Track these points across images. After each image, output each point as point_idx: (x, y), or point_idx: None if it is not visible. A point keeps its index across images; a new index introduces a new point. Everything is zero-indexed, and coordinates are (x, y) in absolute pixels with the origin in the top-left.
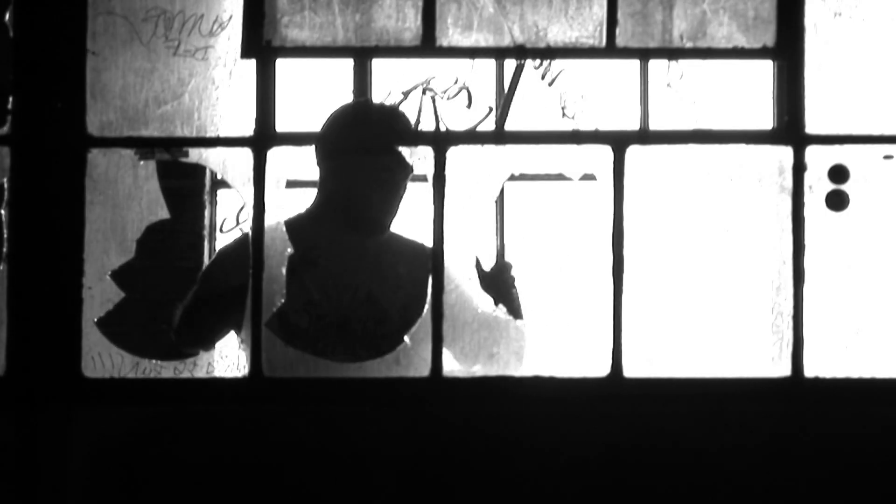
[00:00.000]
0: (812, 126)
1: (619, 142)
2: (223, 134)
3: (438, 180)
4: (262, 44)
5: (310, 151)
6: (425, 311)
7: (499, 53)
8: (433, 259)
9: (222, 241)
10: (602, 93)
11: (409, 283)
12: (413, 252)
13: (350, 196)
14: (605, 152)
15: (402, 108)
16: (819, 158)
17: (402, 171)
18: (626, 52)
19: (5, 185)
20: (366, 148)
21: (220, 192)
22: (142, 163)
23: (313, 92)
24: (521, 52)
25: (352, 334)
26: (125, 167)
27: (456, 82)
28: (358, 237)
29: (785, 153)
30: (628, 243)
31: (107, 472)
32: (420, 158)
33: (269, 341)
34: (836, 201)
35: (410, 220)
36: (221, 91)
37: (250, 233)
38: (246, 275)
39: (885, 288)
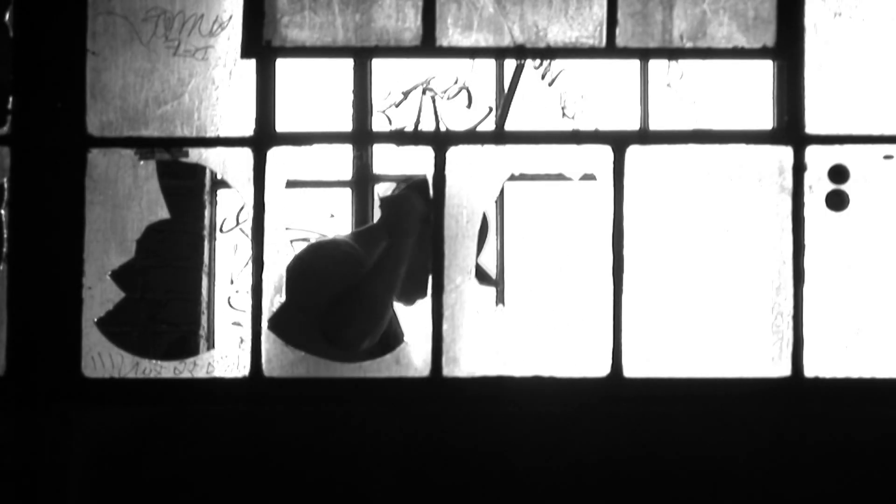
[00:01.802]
0: (812, 126)
1: (619, 142)
2: (223, 134)
3: (438, 180)
4: (262, 44)
5: (312, 151)
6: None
7: (499, 53)
8: (433, 259)
9: (222, 241)
10: (602, 93)
11: None
12: None
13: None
14: (605, 152)
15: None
16: (819, 158)
17: None
18: (626, 52)
19: (5, 185)
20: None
21: (220, 192)
22: (142, 163)
23: (313, 92)
24: (521, 52)
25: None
26: (125, 167)
27: (456, 82)
28: None
29: (785, 153)
30: (628, 243)
31: (107, 471)
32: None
33: (269, 341)
34: (836, 201)
35: None
36: (221, 91)
37: (251, 233)
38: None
39: (885, 288)
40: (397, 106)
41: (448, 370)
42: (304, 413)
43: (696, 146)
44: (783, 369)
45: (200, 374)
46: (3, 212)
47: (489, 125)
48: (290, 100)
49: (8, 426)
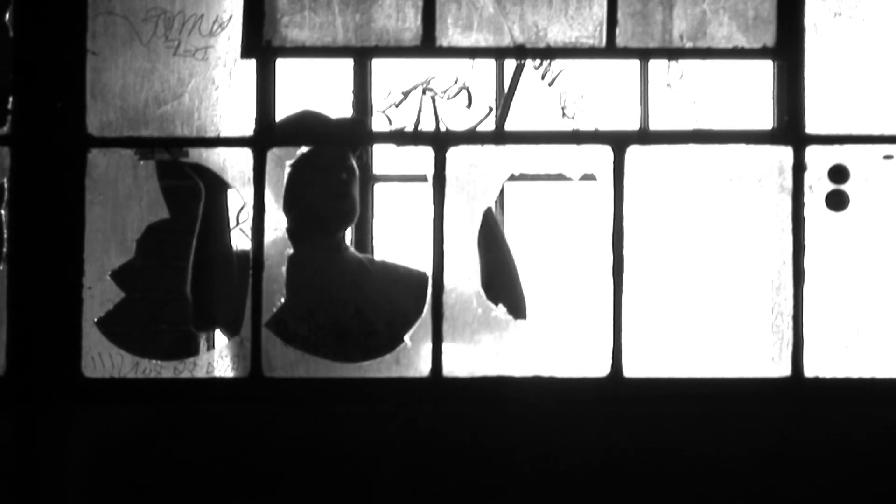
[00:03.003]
0: (812, 126)
1: (619, 142)
2: (223, 134)
3: (438, 180)
4: (262, 44)
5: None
6: (425, 311)
7: (499, 53)
8: (433, 259)
9: None
10: (602, 93)
11: (390, 302)
12: (396, 275)
13: (316, 198)
14: (605, 152)
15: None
16: (819, 158)
17: (345, 166)
18: (626, 52)
19: (5, 185)
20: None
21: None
22: (142, 163)
23: (313, 92)
24: (521, 52)
25: (348, 344)
26: (125, 167)
27: (456, 82)
28: (339, 255)
29: (785, 153)
30: (628, 243)
31: (107, 471)
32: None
33: (269, 341)
34: (836, 201)
35: (411, 219)
36: (221, 91)
37: (251, 233)
38: None
39: (885, 288)
40: (397, 106)
41: (448, 370)
42: (304, 413)
43: (696, 146)
44: (783, 369)
45: (200, 374)
46: (3, 212)
47: (489, 125)
48: (290, 100)
49: (8, 426)
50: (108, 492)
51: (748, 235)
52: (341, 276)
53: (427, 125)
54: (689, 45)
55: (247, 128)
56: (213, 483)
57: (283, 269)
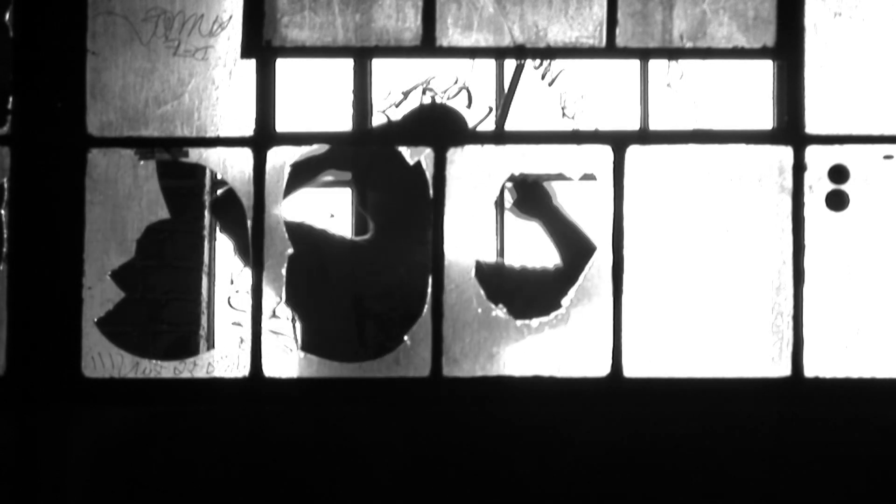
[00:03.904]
0: (812, 126)
1: (619, 142)
2: (223, 134)
3: (438, 180)
4: (262, 44)
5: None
6: (425, 310)
7: (499, 53)
8: (433, 259)
9: (222, 241)
10: (602, 93)
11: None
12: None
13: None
14: (605, 152)
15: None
16: (819, 158)
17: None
18: (626, 52)
19: (5, 185)
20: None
21: (220, 192)
22: (142, 163)
23: (313, 92)
24: (521, 52)
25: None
26: (125, 167)
27: (456, 82)
28: (424, 248)
29: (785, 153)
30: (628, 243)
31: (107, 472)
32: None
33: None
34: (836, 201)
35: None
36: (221, 91)
37: (250, 232)
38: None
39: (885, 288)
40: (397, 106)
41: (448, 370)
42: (304, 413)
43: (696, 146)
44: (783, 369)
45: (200, 374)
46: (3, 212)
47: (489, 125)
48: (290, 100)
49: (8, 426)
50: (107, 492)
51: (748, 235)
52: (420, 267)
53: None
54: (689, 45)
55: (247, 128)
56: (213, 483)
57: (283, 269)
